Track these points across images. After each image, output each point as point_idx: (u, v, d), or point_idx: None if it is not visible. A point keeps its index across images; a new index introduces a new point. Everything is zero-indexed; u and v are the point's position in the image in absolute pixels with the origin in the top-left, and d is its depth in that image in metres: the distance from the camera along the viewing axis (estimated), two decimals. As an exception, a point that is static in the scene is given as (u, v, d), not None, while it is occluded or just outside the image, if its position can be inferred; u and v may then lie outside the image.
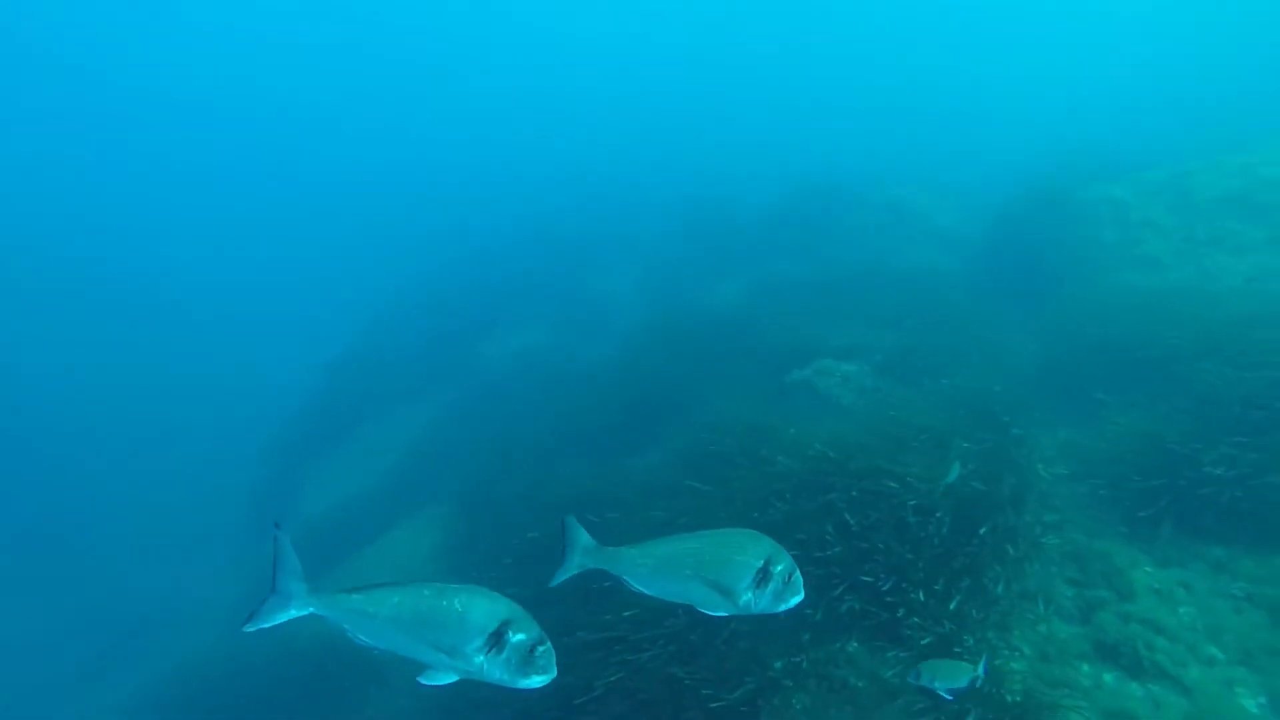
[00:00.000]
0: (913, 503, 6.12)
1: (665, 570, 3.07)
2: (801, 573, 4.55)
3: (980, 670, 4.52)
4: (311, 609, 2.70)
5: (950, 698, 4.57)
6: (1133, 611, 6.09)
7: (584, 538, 3.13)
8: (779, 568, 3.07)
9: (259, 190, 61.91)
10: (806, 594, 4.93)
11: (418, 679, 2.73)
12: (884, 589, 5.64)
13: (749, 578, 3.02)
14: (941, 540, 5.91)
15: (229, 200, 59.66)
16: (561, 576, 3.14)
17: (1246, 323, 8.17)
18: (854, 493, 6.32)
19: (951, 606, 5.44)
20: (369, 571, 11.66)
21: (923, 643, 5.27)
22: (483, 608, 2.62)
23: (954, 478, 6.14)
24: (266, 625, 2.69)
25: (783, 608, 3.09)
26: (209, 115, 68.59)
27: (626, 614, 5.79)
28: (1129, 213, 12.71)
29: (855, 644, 5.75)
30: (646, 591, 3.18)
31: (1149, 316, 9.14)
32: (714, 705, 5.24)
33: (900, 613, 5.50)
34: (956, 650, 5.25)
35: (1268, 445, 6.59)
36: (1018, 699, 5.00)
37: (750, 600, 3.04)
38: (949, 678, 4.50)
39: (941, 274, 14.93)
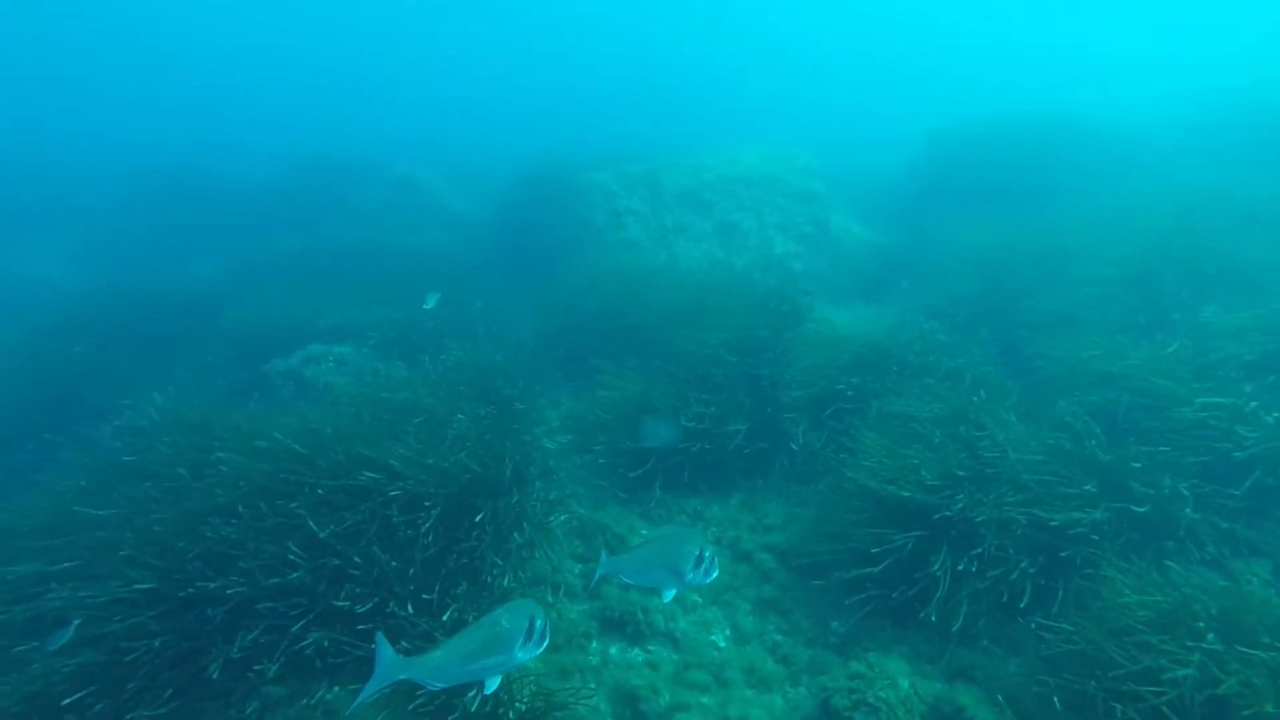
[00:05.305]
0: (397, 495, 5.20)
1: (647, 564, 4.20)
2: (254, 611, 4.62)
3: None
4: (402, 675, 3.41)
5: None
6: (630, 577, 6.32)
7: (601, 553, 4.30)
8: (707, 553, 4.24)
9: None
10: (261, 641, 4.55)
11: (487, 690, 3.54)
12: (361, 612, 4.57)
13: (691, 561, 4.17)
14: (434, 537, 5.13)
15: None
16: (595, 577, 4.54)
17: (703, 293, 9.74)
18: (320, 492, 5.09)
19: (446, 618, 4.67)
20: None
21: (409, 673, 4.36)
22: (515, 615, 3.59)
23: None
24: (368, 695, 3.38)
25: (708, 580, 4.28)
26: None
27: None
28: (615, 201, 14.38)
29: (335, 689, 4.58)
30: (632, 583, 4.27)
31: (634, 290, 10.25)
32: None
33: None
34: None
35: (724, 399, 7.71)
36: (523, 707, 4.53)
37: (691, 577, 4.18)
38: None
39: (448, 252, 14.91)
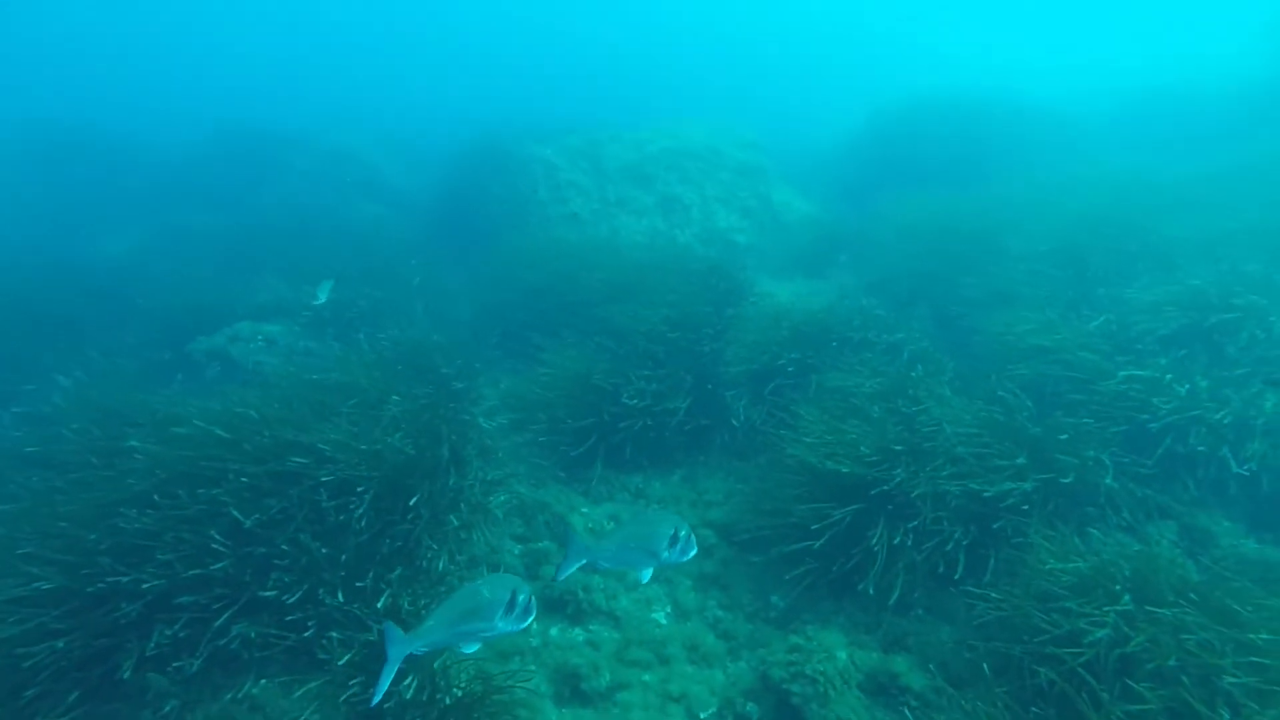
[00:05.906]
0: (328, 480, 5.02)
1: (623, 548, 4.31)
2: (174, 605, 4.48)
3: None
4: (410, 649, 3.63)
5: None
6: (572, 556, 6.26)
7: (577, 540, 4.34)
8: (683, 533, 4.28)
9: None
10: (182, 636, 4.39)
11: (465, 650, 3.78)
12: (290, 602, 4.40)
13: (666, 542, 4.24)
14: (367, 522, 4.97)
15: None
16: (567, 570, 4.26)
17: (645, 269, 9.66)
18: (244, 479, 4.87)
19: (380, 604, 4.54)
20: None
21: (340, 663, 4.22)
22: (495, 587, 3.76)
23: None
24: (387, 684, 3.59)
25: (685, 558, 4.31)
26: None
27: None
28: (557, 174, 14.12)
29: (262, 682, 4.41)
30: (610, 567, 4.54)
31: (574, 265, 10.08)
32: None
33: (311, 630, 4.35)
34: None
35: (665, 376, 7.68)
36: (460, 692, 4.46)
37: (667, 557, 4.25)
38: None
39: (386, 227, 14.45)
